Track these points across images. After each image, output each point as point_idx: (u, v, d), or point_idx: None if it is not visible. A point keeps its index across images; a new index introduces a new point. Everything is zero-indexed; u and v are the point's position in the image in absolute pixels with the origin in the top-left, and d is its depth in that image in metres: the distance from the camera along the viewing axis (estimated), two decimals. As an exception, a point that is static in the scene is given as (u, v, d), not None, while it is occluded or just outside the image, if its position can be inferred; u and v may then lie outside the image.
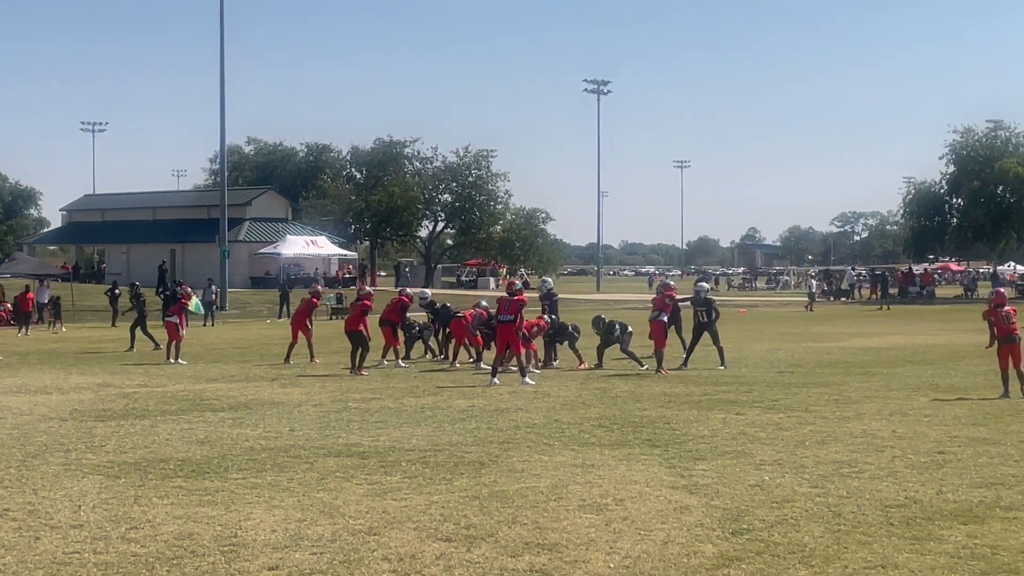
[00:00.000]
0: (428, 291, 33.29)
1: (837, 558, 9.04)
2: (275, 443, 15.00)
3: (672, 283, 27.88)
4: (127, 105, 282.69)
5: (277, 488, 11.94)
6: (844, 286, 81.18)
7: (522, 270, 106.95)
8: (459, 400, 19.62)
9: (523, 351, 22.98)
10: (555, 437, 15.31)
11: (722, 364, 25.13)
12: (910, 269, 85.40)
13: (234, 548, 9.43)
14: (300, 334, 28.02)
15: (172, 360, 27.83)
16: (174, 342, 28.46)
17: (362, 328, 25.14)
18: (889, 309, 58.62)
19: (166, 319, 30.10)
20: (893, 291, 71.21)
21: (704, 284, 28.35)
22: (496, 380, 22.05)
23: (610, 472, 12.73)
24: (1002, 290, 21.49)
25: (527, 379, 22.15)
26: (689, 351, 25.76)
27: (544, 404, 18.97)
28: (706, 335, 25.67)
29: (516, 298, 22.84)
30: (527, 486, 11.93)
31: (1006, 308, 20.30)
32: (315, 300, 29.35)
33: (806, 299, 62.99)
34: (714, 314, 25.92)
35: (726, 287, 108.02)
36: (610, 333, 26.00)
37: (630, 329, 26.29)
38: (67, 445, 14.94)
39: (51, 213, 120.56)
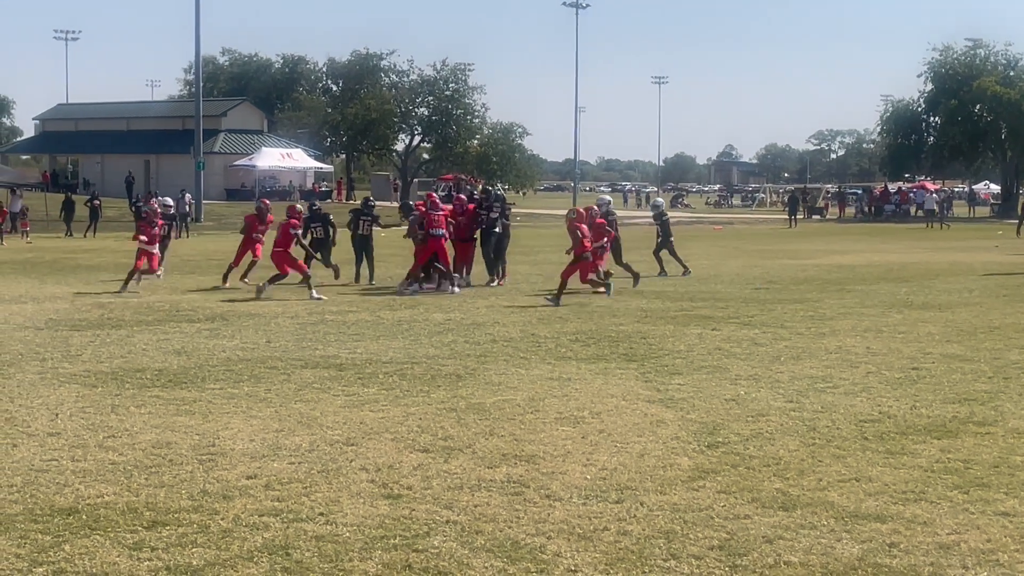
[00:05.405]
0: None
1: (811, 471, 9.12)
2: (252, 354, 14.99)
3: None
4: (101, 14, 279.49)
5: (254, 399, 11.95)
6: (819, 204, 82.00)
7: (499, 184, 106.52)
8: (436, 314, 19.62)
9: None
10: (532, 351, 15.35)
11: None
12: (886, 187, 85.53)
13: (212, 457, 9.46)
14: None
15: (159, 275, 27.58)
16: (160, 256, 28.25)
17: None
18: (793, 227, 63.02)
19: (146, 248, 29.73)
20: (851, 211, 72.94)
21: (606, 198, 27.93)
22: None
23: (586, 386, 12.79)
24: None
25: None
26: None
27: (520, 318, 19.00)
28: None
29: (442, 212, 23.70)
30: (504, 399, 11.98)
31: None
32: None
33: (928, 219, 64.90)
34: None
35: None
36: None
37: None
38: (43, 354, 14.89)
39: (24, 122, 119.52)
